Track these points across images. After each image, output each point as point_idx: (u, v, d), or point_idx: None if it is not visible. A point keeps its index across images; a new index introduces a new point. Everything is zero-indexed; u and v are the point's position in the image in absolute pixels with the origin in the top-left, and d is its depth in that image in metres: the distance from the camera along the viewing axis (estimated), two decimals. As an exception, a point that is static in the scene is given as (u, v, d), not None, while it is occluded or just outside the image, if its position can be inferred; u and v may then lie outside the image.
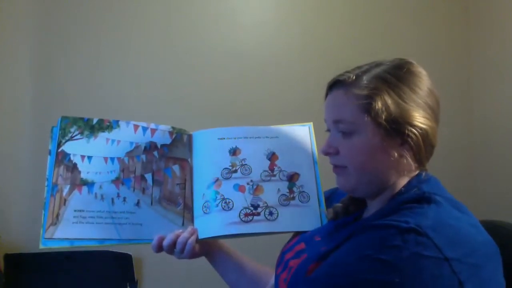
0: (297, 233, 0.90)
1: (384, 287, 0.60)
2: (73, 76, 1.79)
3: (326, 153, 0.79)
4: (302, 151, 0.98)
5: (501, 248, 0.68)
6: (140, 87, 1.82)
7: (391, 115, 0.71)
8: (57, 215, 0.86)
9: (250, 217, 0.89)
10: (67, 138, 0.91)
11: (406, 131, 0.71)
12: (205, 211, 0.90)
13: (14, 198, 1.73)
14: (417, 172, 0.75)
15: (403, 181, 0.74)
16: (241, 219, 0.88)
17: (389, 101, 0.71)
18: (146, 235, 0.88)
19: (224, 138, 0.96)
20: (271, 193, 0.92)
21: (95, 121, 0.94)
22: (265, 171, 0.94)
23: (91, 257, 1.61)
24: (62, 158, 0.90)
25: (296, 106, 1.83)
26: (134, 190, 0.91)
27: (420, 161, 0.73)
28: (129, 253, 1.64)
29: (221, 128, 0.98)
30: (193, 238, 0.87)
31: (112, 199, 0.89)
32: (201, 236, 0.89)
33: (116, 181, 0.90)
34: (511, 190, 1.76)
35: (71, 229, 0.85)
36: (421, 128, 0.71)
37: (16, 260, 1.64)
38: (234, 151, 0.95)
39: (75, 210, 0.87)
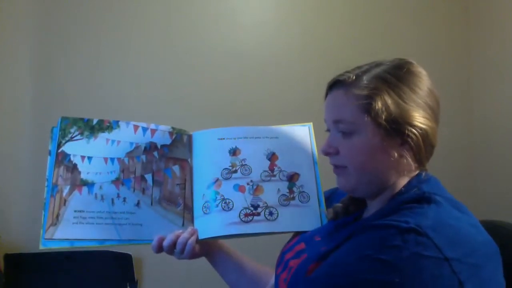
0: (297, 233, 0.90)
1: (384, 287, 0.60)
2: (73, 76, 1.79)
3: (326, 153, 0.79)
4: (302, 151, 0.98)
5: (501, 248, 0.68)
6: (140, 87, 1.82)
7: (391, 115, 0.71)
8: (57, 216, 0.86)
9: (250, 217, 0.89)
10: (67, 138, 0.91)
11: (406, 131, 0.71)
12: (205, 212, 0.90)
13: (14, 198, 1.73)
14: (417, 172, 0.75)
15: (403, 181, 0.74)
16: (241, 219, 0.88)
17: (389, 101, 0.71)
18: (146, 236, 0.88)
19: (224, 138, 0.96)
20: (271, 193, 0.92)
21: (95, 121, 0.94)
22: (265, 171, 0.94)
23: (91, 257, 1.61)
24: (62, 159, 0.90)
25: (296, 106, 1.82)
26: (134, 190, 0.91)
27: (420, 161, 0.73)
28: (129, 253, 1.64)
29: (221, 128, 0.98)
30: (193, 238, 0.87)
31: (112, 199, 0.89)
32: (201, 237, 0.89)
33: (116, 181, 0.90)
34: (511, 190, 1.76)
35: (71, 230, 0.85)
36: (421, 128, 0.71)
37: (16, 260, 1.64)
38: (234, 151, 0.95)
39: (75, 211, 0.87)
